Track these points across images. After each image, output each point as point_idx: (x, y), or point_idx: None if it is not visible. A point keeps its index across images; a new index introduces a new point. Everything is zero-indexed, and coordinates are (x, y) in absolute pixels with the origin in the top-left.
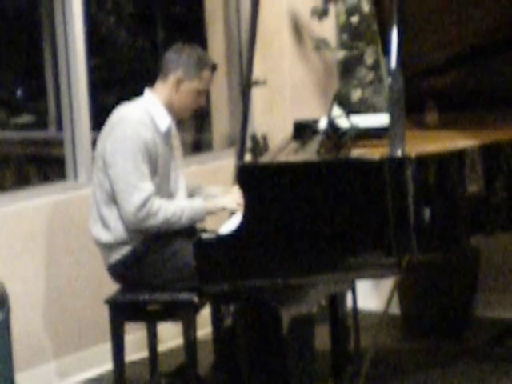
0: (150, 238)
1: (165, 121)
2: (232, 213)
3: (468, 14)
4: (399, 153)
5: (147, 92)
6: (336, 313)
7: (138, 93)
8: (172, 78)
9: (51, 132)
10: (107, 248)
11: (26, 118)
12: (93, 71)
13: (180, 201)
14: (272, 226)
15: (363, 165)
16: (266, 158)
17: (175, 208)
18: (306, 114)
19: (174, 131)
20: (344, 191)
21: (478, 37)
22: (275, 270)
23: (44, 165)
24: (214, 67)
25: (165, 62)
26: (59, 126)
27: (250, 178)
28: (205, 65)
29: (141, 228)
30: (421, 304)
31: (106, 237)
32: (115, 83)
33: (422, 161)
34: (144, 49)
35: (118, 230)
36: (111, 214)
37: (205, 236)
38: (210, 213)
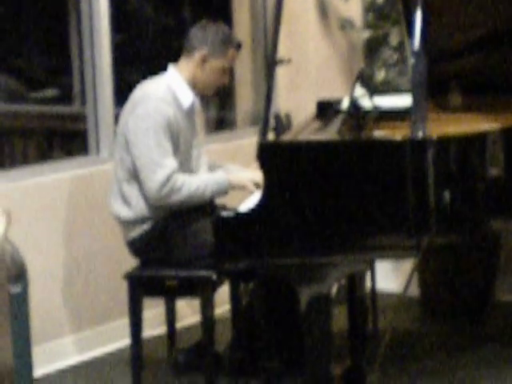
0: (170, 215)
1: (188, 97)
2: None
3: None
4: (420, 134)
5: (171, 68)
6: (354, 293)
7: (162, 70)
8: (197, 55)
9: (75, 107)
10: (127, 224)
11: (50, 93)
12: (117, 47)
13: (203, 175)
14: (291, 205)
15: (384, 145)
16: (287, 137)
17: (199, 182)
18: (329, 93)
19: (198, 108)
20: (365, 171)
21: (503, 20)
22: (294, 249)
23: (67, 139)
24: (238, 45)
25: (190, 39)
26: (84, 100)
27: (271, 156)
28: (230, 43)
29: (165, 204)
30: (440, 287)
31: (126, 213)
32: (139, 59)
33: (444, 142)
34: (169, 26)
35: (138, 207)
36: (132, 191)
37: (224, 213)
38: (233, 186)
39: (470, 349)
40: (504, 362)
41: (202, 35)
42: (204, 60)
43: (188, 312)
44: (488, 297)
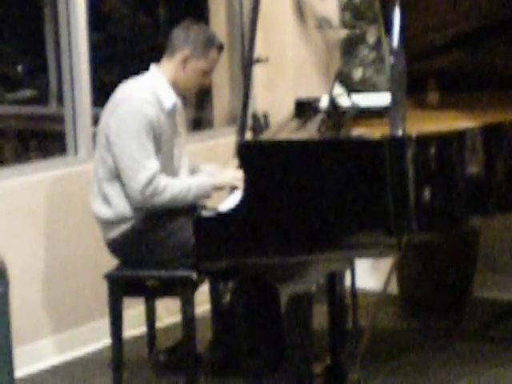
0: (150, 215)
1: (170, 98)
2: (233, 188)
3: None
4: (400, 132)
5: (153, 68)
6: (334, 291)
7: (139, 69)
8: (179, 56)
9: (52, 107)
10: (107, 224)
11: (26, 93)
12: (94, 47)
13: (185, 178)
14: (272, 204)
15: (364, 144)
16: (266, 136)
17: (181, 185)
18: (307, 92)
19: (180, 109)
20: (344, 170)
21: (480, 17)
22: (274, 248)
23: (44, 140)
24: (221, 47)
25: (172, 39)
26: (60, 101)
27: (251, 155)
28: (212, 45)
29: (147, 205)
30: (419, 284)
31: (106, 213)
32: (116, 59)
33: (423, 140)
34: (145, 25)
35: (119, 207)
36: (113, 191)
37: (204, 213)
38: (215, 188)
39: (449, 345)
40: (482, 359)
41: (184, 36)
42: (185, 60)
43: (168, 311)
44: (466, 294)
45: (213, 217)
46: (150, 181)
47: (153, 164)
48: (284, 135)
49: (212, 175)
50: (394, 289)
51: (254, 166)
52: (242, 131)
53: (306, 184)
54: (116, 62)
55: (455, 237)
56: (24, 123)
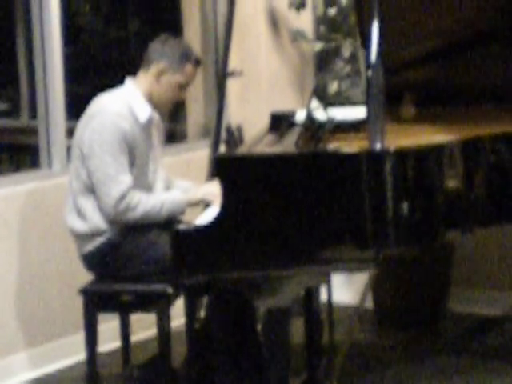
0: (125, 229)
1: (145, 111)
2: (207, 205)
3: (447, 7)
4: (378, 146)
5: (128, 81)
6: (311, 306)
7: (112, 82)
8: (153, 69)
9: (23, 120)
10: (82, 238)
11: None
12: (68, 59)
13: (159, 194)
14: (249, 218)
15: (341, 158)
16: (243, 150)
17: (154, 201)
18: (281, 105)
19: (157, 122)
20: (322, 184)
21: (457, 30)
22: (251, 262)
23: (16, 153)
24: (197, 62)
25: (148, 53)
26: (32, 113)
27: (228, 169)
28: (188, 59)
29: (120, 220)
30: (395, 298)
31: (81, 226)
32: (90, 71)
33: (401, 155)
34: (119, 38)
35: (93, 220)
36: (87, 204)
37: (181, 227)
38: (190, 205)
39: (425, 359)
40: (458, 373)
41: (160, 49)
42: (160, 74)
43: (143, 326)
44: (441, 308)
45: (190, 231)
46: (123, 196)
47: (126, 178)
48: (261, 149)
49: (187, 191)
50: (369, 303)
51: (231, 180)
52: (215, 145)
53: (284, 198)
54: (89, 74)
55: (431, 251)
56: None
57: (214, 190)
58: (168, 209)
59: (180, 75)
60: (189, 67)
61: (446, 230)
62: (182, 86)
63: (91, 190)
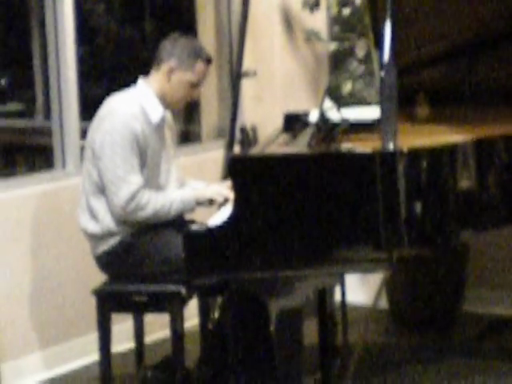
0: (138, 230)
1: (157, 111)
2: (221, 205)
3: (461, 7)
4: (391, 146)
5: (140, 81)
6: (324, 307)
7: (126, 83)
8: (164, 67)
9: (38, 120)
10: (95, 238)
11: (12, 106)
12: (82, 60)
13: (169, 192)
14: (262, 219)
15: (355, 158)
16: (256, 150)
17: (164, 200)
18: (295, 105)
19: (170, 122)
20: (335, 184)
21: (471, 31)
22: (265, 263)
23: (31, 154)
24: (209, 60)
25: (159, 51)
26: (47, 114)
27: (242, 169)
28: (199, 57)
29: (130, 220)
30: (409, 299)
31: (93, 227)
32: (104, 72)
33: (414, 155)
34: (133, 39)
35: (106, 221)
36: (99, 205)
37: (194, 228)
38: (199, 203)
39: (439, 360)
40: (472, 373)
41: (170, 47)
42: (171, 72)
43: (157, 326)
44: (456, 308)
45: (203, 232)
46: (133, 196)
47: (136, 179)
48: (274, 149)
49: (197, 189)
50: (383, 303)
51: (244, 181)
52: (230, 145)
53: (296, 199)
54: (104, 75)
55: (445, 251)
56: (10, 137)
57: (222, 190)
58: (177, 207)
59: (191, 73)
60: (199, 65)
61: (459, 231)
62: (194, 85)
63: (102, 190)
